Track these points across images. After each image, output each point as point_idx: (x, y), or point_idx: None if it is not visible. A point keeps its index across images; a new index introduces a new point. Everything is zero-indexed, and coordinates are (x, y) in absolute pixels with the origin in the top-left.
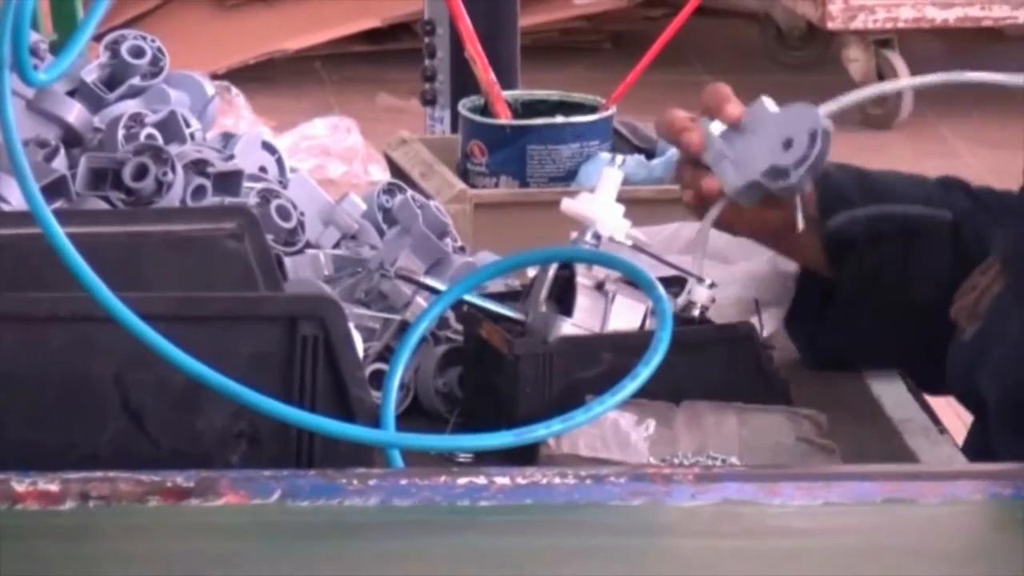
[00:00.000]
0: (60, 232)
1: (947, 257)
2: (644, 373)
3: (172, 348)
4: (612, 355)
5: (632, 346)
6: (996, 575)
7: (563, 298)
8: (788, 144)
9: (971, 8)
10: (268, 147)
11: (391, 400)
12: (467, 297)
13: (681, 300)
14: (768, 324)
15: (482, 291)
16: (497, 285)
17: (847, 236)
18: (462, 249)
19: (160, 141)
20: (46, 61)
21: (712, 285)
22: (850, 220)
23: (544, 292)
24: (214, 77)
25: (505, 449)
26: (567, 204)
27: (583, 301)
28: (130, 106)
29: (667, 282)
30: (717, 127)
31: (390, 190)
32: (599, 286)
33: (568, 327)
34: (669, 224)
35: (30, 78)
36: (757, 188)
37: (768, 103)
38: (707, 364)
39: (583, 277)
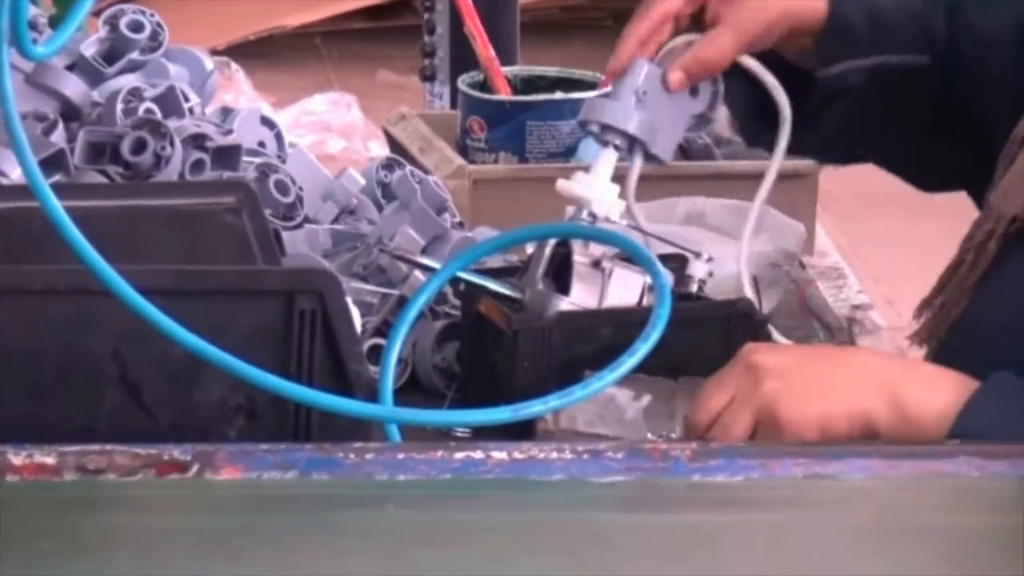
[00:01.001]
0: (58, 206)
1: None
2: (642, 349)
3: (170, 322)
4: (610, 331)
5: (630, 322)
6: (995, 554)
7: (560, 275)
8: (695, 91)
9: None
10: (267, 122)
11: (389, 375)
12: (464, 274)
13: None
14: (767, 301)
15: (480, 267)
16: (495, 261)
17: (844, 85)
18: (460, 224)
19: (159, 115)
20: (45, 35)
21: (709, 259)
22: (849, 69)
23: (541, 269)
24: (214, 53)
25: (502, 424)
26: (562, 184)
27: (580, 278)
28: (129, 80)
29: (664, 259)
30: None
31: (389, 165)
32: (596, 263)
33: (565, 304)
34: (665, 199)
35: (29, 52)
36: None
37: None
38: (705, 340)
39: (580, 254)
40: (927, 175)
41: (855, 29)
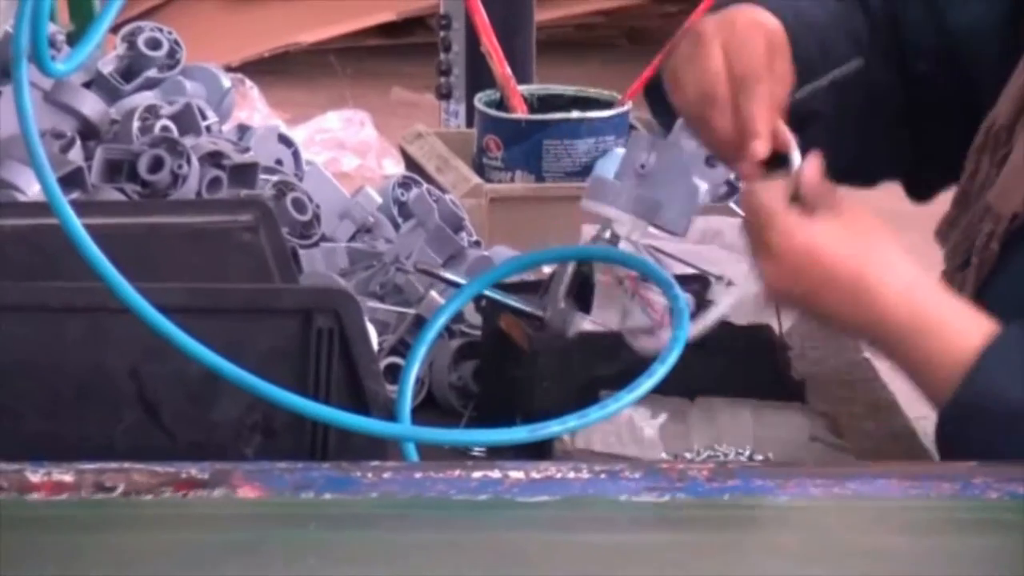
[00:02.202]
0: (77, 223)
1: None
2: (660, 371)
3: (189, 340)
4: (630, 352)
5: None
6: (1014, 574)
7: (581, 295)
8: (712, 160)
9: None
10: (284, 140)
11: (407, 393)
12: (486, 291)
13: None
14: (786, 321)
15: (500, 285)
16: (515, 280)
17: (812, 108)
18: (477, 243)
19: (175, 133)
20: (63, 52)
21: (729, 283)
22: (813, 92)
23: (563, 288)
24: (229, 70)
25: (519, 444)
26: (587, 203)
27: (602, 298)
28: (146, 98)
29: (684, 280)
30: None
31: (405, 183)
32: (618, 282)
33: (586, 323)
34: None
35: (49, 69)
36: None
37: (645, 140)
38: (724, 364)
39: (602, 274)
40: (915, 184)
41: (810, 48)
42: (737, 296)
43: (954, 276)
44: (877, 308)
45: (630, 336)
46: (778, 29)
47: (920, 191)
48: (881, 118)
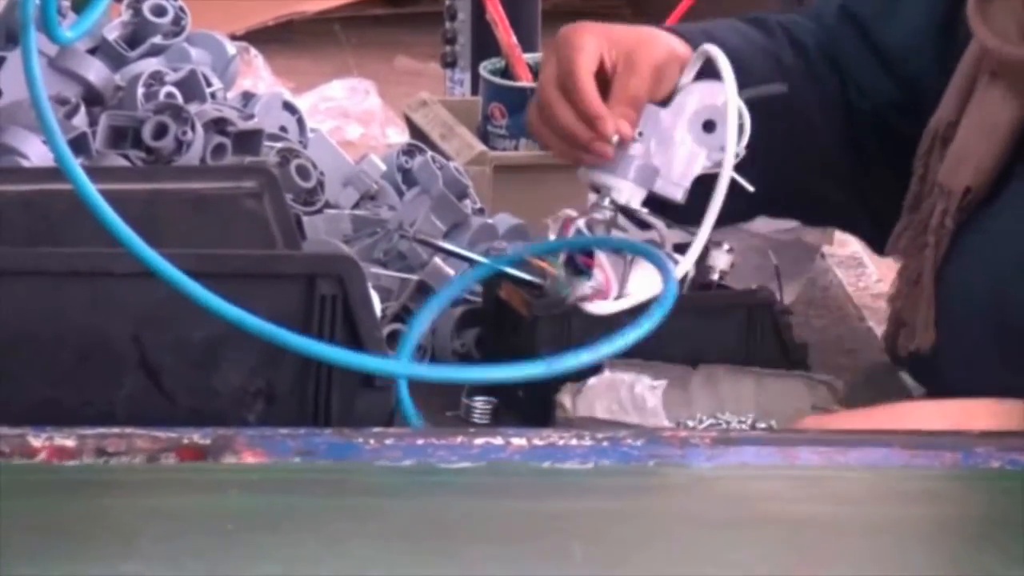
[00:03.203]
0: (91, 186)
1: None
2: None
3: (211, 295)
4: (630, 318)
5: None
6: (1015, 543)
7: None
8: (710, 126)
9: None
10: (289, 107)
11: (412, 338)
12: (486, 260)
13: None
14: (788, 292)
15: (500, 253)
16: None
17: None
18: (481, 211)
19: (180, 100)
20: (68, 19)
21: (730, 249)
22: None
23: (563, 255)
24: (233, 38)
25: (534, 381)
26: (583, 172)
27: (601, 264)
28: (151, 64)
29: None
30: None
31: (410, 151)
32: (617, 250)
33: (587, 290)
34: None
35: (57, 35)
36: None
37: (652, 109)
38: (725, 329)
39: None
40: (873, 238)
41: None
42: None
43: (912, 289)
44: None
45: (581, 303)
46: (660, 35)
47: (879, 245)
48: (815, 154)
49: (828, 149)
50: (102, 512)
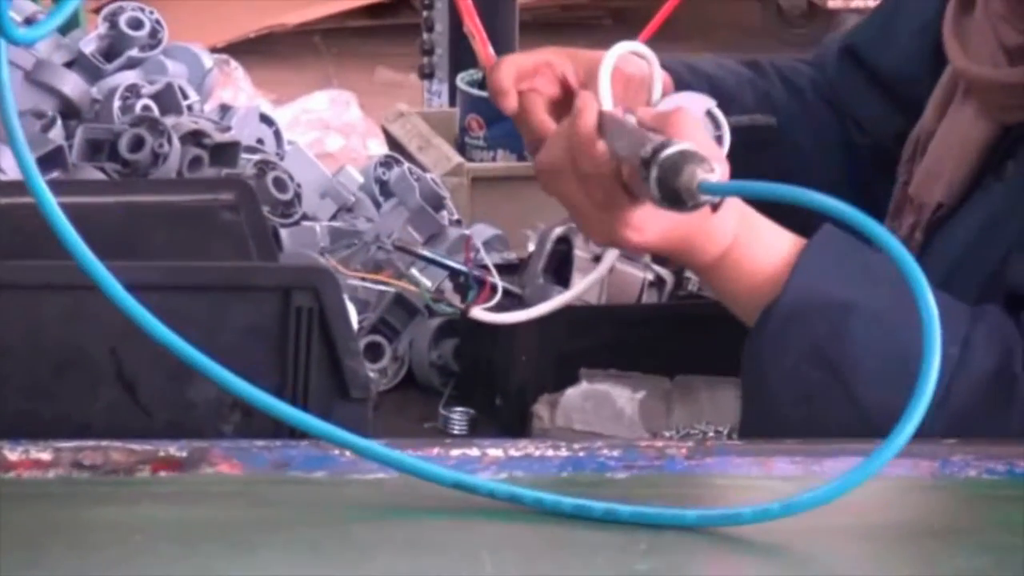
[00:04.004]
0: (54, 202)
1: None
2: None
3: (159, 325)
4: (609, 327)
5: (629, 318)
6: (988, 553)
7: (561, 272)
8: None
9: None
10: (265, 119)
11: None
12: (465, 268)
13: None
14: None
15: (480, 264)
16: (495, 258)
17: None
18: (458, 222)
19: (156, 112)
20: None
21: None
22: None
23: (542, 263)
24: (214, 50)
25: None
26: None
27: (581, 273)
28: (127, 77)
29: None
30: None
31: (387, 163)
32: (596, 259)
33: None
34: None
35: (11, 34)
36: None
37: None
38: (703, 339)
39: (581, 250)
40: None
41: (700, 88)
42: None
43: None
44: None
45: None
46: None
47: None
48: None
49: (824, 186)
50: (77, 524)
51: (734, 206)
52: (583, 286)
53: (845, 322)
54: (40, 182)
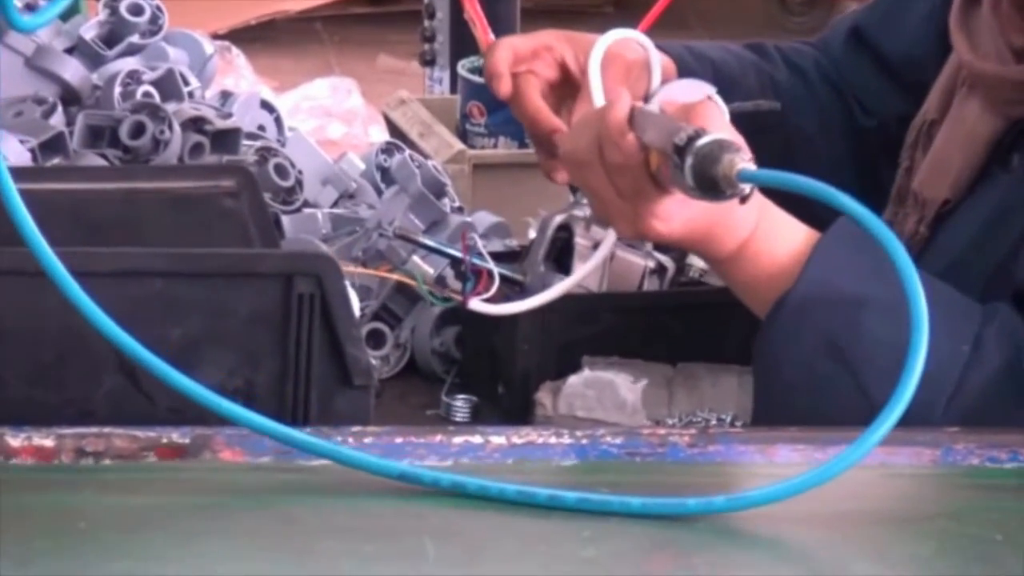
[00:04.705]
0: (12, 186)
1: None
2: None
3: (106, 321)
4: (610, 315)
5: (630, 306)
6: (991, 541)
7: (562, 259)
8: None
9: None
10: (266, 106)
11: None
12: (467, 256)
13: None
14: None
15: (477, 252)
16: (496, 245)
17: None
18: (460, 209)
19: (157, 99)
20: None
21: None
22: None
23: (543, 251)
24: (215, 37)
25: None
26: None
27: (581, 261)
28: (128, 63)
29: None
30: None
31: (388, 150)
32: (597, 247)
33: (489, 266)
34: None
35: (15, 22)
36: None
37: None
38: (706, 327)
39: (582, 237)
40: None
41: (703, 74)
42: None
43: None
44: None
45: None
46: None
47: None
48: (813, 172)
49: (829, 169)
50: (81, 511)
51: (755, 199)
52: (581, 274)
53: (857, 316)
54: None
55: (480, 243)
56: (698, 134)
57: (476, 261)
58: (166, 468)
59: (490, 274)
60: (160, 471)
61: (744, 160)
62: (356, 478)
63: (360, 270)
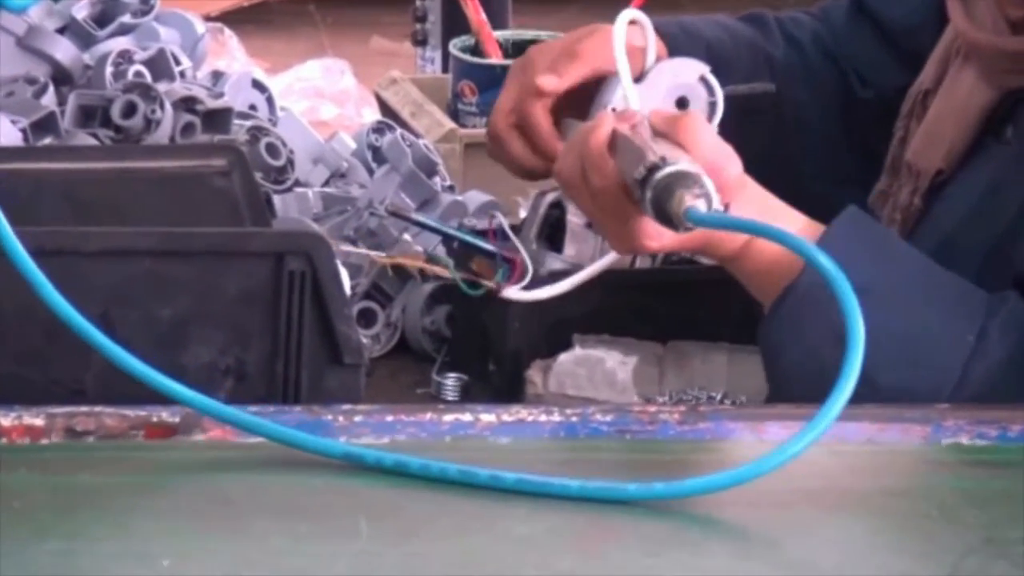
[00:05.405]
0: None
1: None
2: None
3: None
4: (601, 292)
5: (621, 284)
6: (981, 517)
7: (554, 237)
8: (683, 103)
9: None
10: (258, 85)
11: None
12: (458, 233)
13: None
14: None
15: (472, 229)
16: (486, 223)
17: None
18: (451, 188)
19: (148, 78)
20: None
21: None
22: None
23: (535, 229)
24: (208, 19)
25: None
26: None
27: (574, 238)
28: (120, 43)
29: None
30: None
31: (380, 129)
32: (589, 224)
33: (557, 264)
34: None
35: (6, 2)
36: None
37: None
38: (696, 305)
39: (574, 215)
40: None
41: (696, 54)
42: None
43: None
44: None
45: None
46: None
47: None
48: (808, 148)
49: (825, 144)
50: (71, 490)
51: (751, 198)
52: (608, 260)
53: (862, 305)
54: None
55: (506, 225)
56: (657, 167)
57: (469, 238)
58: (106, 447)
59: (523, 262)
60: (100, 450)
61: (696, 196)
62: (300, 456)
63: (390, 260)
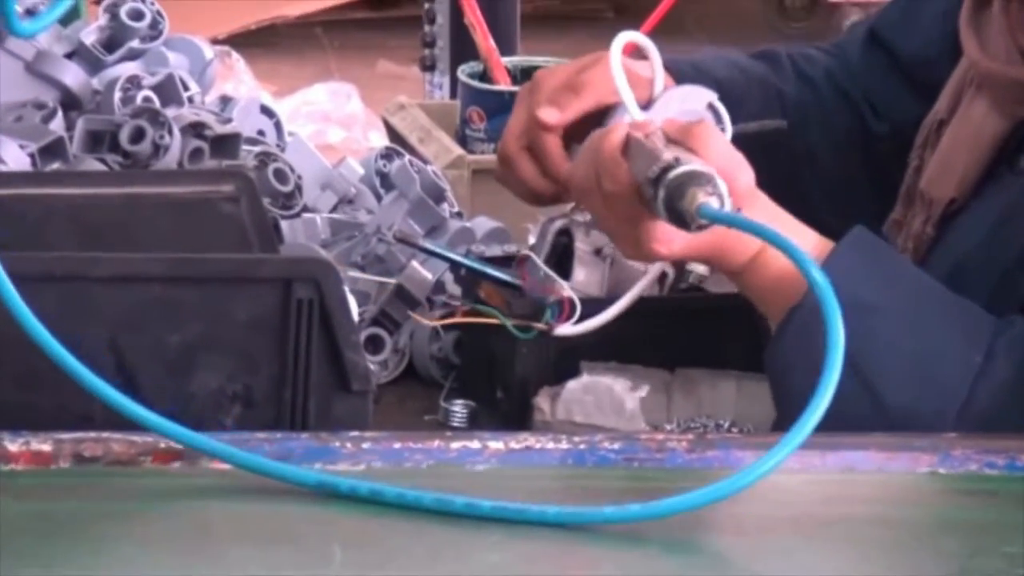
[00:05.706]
0: None
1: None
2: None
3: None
4: (610, 320)
5: (630, 312)
6: (989, 547)
7: (562, 264)
8: None
9: None
10: (266, 111)
11: None
12: (466, 260)
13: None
14: None
15: (480, 256)
16: (495, 250)
17: None
18: (459, 214)
19: (157, 104)
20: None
21: None
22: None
23: (542, 257)
24: (215, 42)
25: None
26: None
27: (582, 266)
28: (128, 68)
29: None
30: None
31: (388, 155)
32: (597, 251)
33: (565, 292)
34: None
35: (14, 27)
36: None
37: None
38: (705, 333)
39: (582, 243)
40: None
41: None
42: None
43: None
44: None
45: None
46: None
47: None
48: (819, 185)
49: (839, 180)
50: (78, 516)
51: (763, 209)
52: (645, 283)
53: (870, 324)
54: None
55: (541, 264)
56: (671, 166)
57: (476, 265)
58: (84, 474)
59: (571, 300)
60: (78, 476)
61: (709, 194)
62: (277, 484)
63: (456, 321)
